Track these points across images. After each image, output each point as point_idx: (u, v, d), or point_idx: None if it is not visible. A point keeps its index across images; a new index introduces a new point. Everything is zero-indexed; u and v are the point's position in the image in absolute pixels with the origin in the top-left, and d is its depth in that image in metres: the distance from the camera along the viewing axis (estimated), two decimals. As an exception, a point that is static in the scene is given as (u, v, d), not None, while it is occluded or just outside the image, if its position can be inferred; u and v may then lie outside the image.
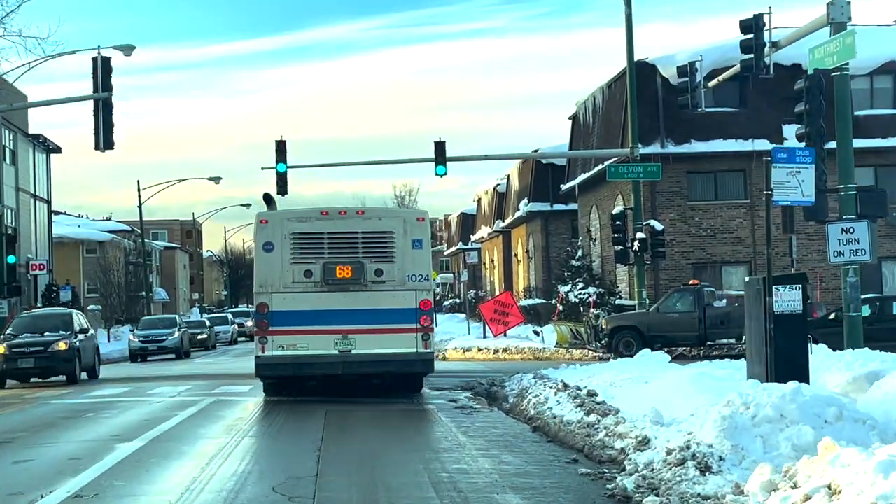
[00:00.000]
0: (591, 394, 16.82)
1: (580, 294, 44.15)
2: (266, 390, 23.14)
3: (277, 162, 43.36)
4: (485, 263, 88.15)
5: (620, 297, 44.09)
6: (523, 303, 61.74)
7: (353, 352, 21.40)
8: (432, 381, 27.43)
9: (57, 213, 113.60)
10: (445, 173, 41.70)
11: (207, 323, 67.00)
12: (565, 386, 17.95)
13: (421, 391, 23.61)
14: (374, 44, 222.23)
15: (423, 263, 22.02)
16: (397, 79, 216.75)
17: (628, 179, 40.30)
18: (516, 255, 72.22)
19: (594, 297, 43.32)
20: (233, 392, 25.55)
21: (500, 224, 77.75)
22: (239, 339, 74.00)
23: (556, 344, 39.31)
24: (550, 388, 18.67)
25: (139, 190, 75.46)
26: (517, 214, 67.10)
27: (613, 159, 43.34)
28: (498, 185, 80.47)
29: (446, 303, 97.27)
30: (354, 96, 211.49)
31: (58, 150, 77.29)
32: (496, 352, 41.07)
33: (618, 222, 40.01)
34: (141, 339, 52.34)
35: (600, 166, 46.43)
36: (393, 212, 33.09)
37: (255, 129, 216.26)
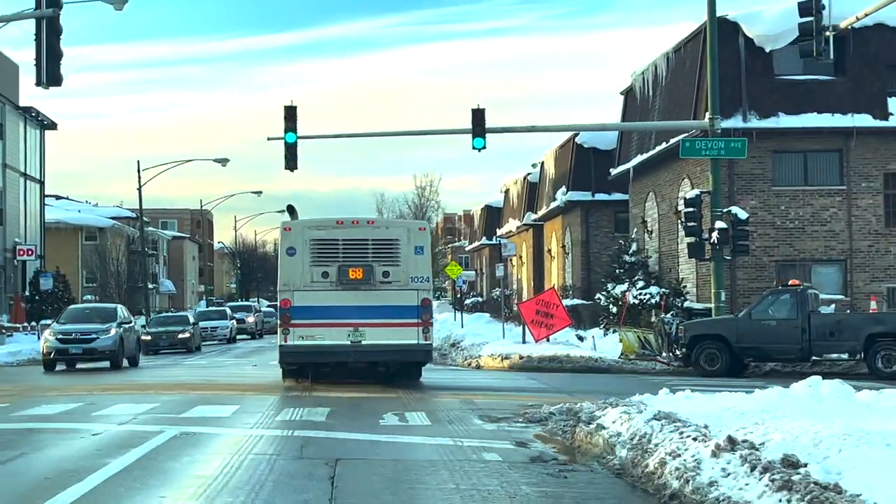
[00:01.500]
0: (793, 463, 9.72)
1: (640, 294, 36.93)
2: (285, 375, 26.06)
3: (286, 131, 36.70)
4: (511, 260, 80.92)
5: (687, 299, 36.92)
6: (564, 303, 54.67)
7: (363, 342, 24.11)
8: (479, 404, 20.80)
9: (59, 197, 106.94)
10: (484, 147, 34.79)
11: (190, 318, 56.07)
12: (731, 443, 10.76)
13: (420, 379, 26.42)
14: (394, 41, 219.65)
15: (424, 267, 24.90)
16: (418, 77, 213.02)
17: (706, 157, 33.17)
18: (549, 251, 65.02)
19: (660, 298, 36.09)
20: (209, 418, 18.41)
21: (532, 217, 70.57)
22: (239, 336, 66.67)
23: (621, 355, 32.02)
24: (695, 439, 11.51)
25: (139, 171, 68.48)
26: (552, 205, 59.93)
27: (681, 136, 36.33)
28: (529, 174, 73.30)
29: (468, 301, 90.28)
30: (374, 94, 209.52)
31: (52, 126, 70.36)
32: (541, 361, 33.94)
33: (691, 209, 32.86)
34: (60, 336, 35.61)
35: (663, 145, 39.29)
36: (398, 222, 33.94)
37: (274, 125, 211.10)
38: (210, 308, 78.00)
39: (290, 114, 36.81)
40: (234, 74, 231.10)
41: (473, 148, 34.80)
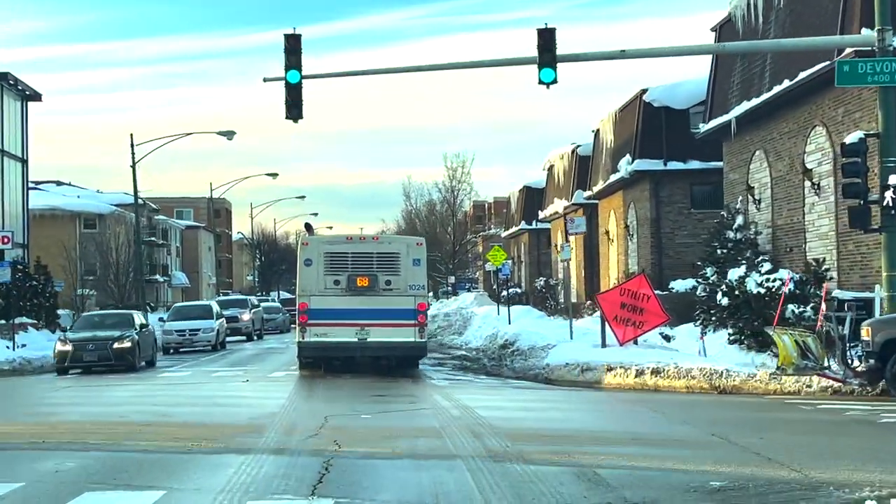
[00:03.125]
0: None
1: (766, 281, 27.01)
2: (302, 367, 29.93)
3: (288, 68, 27.38)
4: (556, 245, 71.14)
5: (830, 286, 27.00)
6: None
7: (369, 340, 27.90)
8: (609, 481, 10.78)
9: (60, 183, 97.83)
10: (554, 81, 25.35)
11: (135, 319, 37.30)
12: None
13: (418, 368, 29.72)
14: (418, 33, 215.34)
15: (420, 276, 28.76)
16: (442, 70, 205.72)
17: (873, 85, 23.35)
18: (607, 233, 55.14)
19: (794, 285, 26.11)
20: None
21: (583, 195, 60.71)
22: (231, 339, 51.45)
23: (779, 367, 21.92)
24: None
25: (132, 146, 58.87)
26: (612, 179, 50.08)
27: (818, 67, 26.58)
28: (578, 146, 63.42)
29: (505, 293, 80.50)
30: (399, 86, 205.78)
31: (36, 97, 60.86)
32: (640, 374, 24.19)
33: (852, 159, 23.08)
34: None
35: (783, 84, 29.44)
36: (399, 238, 37.53)
37: (305, 118, 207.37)
38: (191, 303, 59.79)
39: (293, 46, 27.55)
40: (256, 68, 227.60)
41: (541, 82, 25.19)
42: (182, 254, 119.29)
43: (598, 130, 56.27)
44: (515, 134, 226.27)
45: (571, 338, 33.27)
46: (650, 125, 46.63)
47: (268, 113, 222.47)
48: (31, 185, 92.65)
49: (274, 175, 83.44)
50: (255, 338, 56.46)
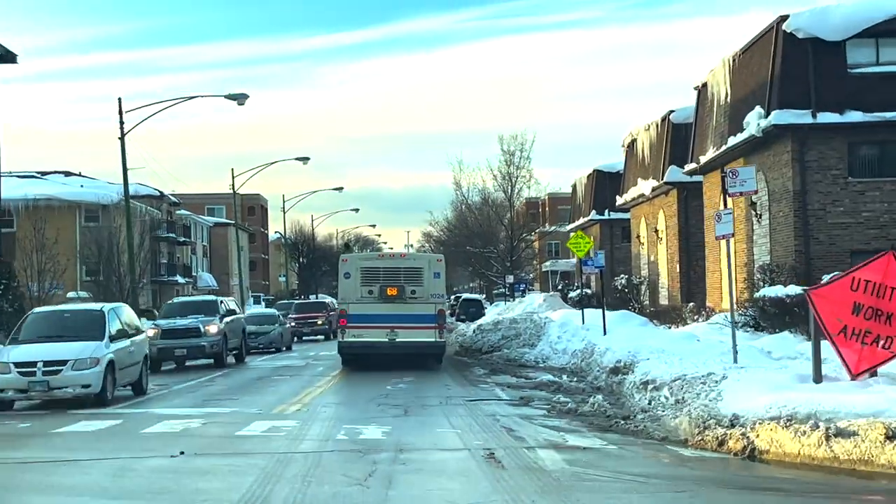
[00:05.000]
0: None
1: None
2: (343, 362, 32.96)
3: None
4: (639, 236, 58.48)
5: None
6: (767, 292, 32.60)
7: (397, 340, 31.64)
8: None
9: (68, 173, 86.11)
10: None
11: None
12: None
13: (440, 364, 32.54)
14: (468, 35, 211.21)
15: (440, 287, 32.70)
16: (492, 71, 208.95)
17: None
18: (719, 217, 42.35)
19: None
20: None
21: (679, 172, 48.16)
22: (193, 363, 36.74)
23: None
24: None
25: (120, 112, 46.69)
26: (732, 142, 37.47)
27: None
28: (671, 112, 50.77)
29: (572, 294, 68.11)
30: (448, 89, 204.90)
31: (9, 57, 49.05)
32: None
33: None
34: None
35: None
36: (422, 255, 43.87)
37: (349, 121, 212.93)
38: (56, 309, 28.60)
39: None
40: (306, 73, 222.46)
41: None
42: (210, 254, 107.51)
43: (703, 86, 43.56)
44: (564, 134, 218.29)
45: (736, 361, 20.74)
46: (792, 64, 34.05)
47: (319, 115, 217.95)
48: (36, 174, 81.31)
49: (305, 160, 71.36)
50: (234, 359, 38.02)
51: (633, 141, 57.54)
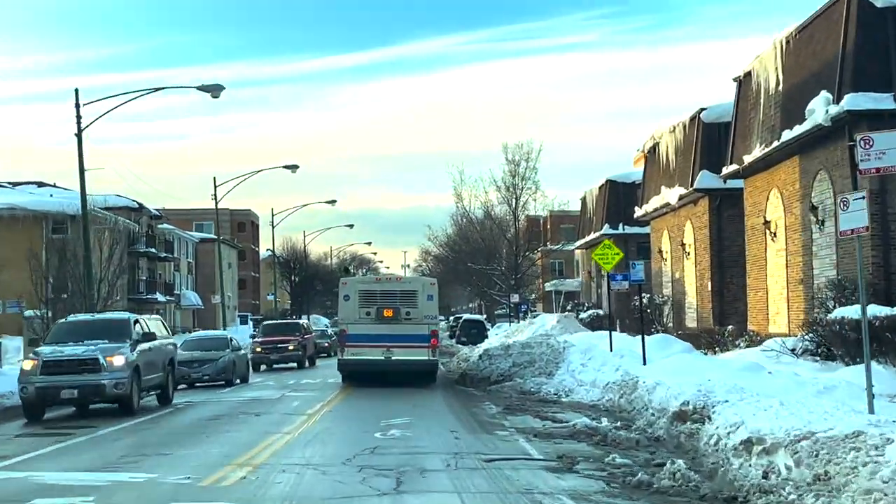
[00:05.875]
0: None
1: None
2: (343, 379, 33.88)
3: None
4: (661, 251, 52.29)
5: None
6: (845, 313, 26.60)
7: (393, 358, 32.71)
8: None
9: (41, 184, 79.87)
10: None
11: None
12: None
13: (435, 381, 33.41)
14: (465, 59, 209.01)
15: (433, 308, 33.76)
16: (490, 93, 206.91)
17: None
18: (766, 224, 36.19)
19: None
20: None
21: (712, 177, 42.18)
22: (97, 407, 26.26)
23: None
24: None
25: (77, 107, 40.53)
26: (787, 136, 31.46)
27: None
28: (703, 110, 44.68)
29: (582, 315, 61.96)
30: (445, 111, 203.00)
31: None
32: None
33: None
34: None
35: None
36: (417, 279, 41.32)
37: (348, 143, 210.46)
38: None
39: None
40: (309, 94, 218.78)
41: None
42: (196, 271, 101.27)
43: (746, 76, 37.50)
44: (562, 156, 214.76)
45: (872, 410, 14.58)
46: (869, 38, 28.05)
47: (320, 136, 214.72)
48: (6, 185, 75.10)
49: (293, 168, 65.21)
50: (164, 401, 28.64)
51: (656, 145, 51.42)
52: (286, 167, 65.62)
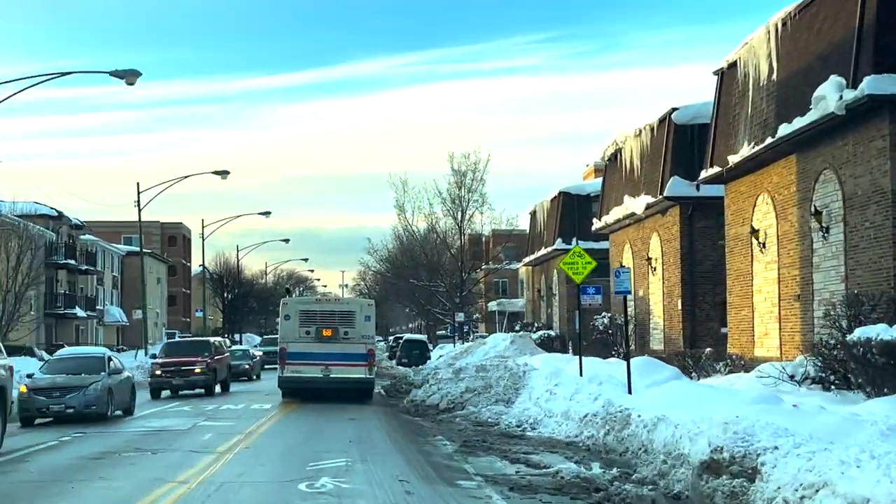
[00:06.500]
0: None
1: None
2: (283, 394, 34.55)
3: None
4: (622, 264, 47.68)
5: None
6: (869, 333, 22.17)
7: (331, 375, 33.46)
8: None
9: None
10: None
11: None
12: None
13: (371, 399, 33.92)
14: (406, 80, 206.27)
15: (370, 329, 34.54)
16: (432, 115, 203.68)
17: None
18: (755, 232, 31.71)
19: None
20: None
21: (684, 183, 38.03)
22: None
23: None
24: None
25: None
26: (784, 131, 27.15)
27: None
28: (674, 110, 40.37)
29: (534, 335, 57.42)
30: (390, 132, 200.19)
31: None
32: None
33: None
34: None
35: None
36: (355, 300, 47.32)
37: (286, 162, 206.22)
38: None
39: None
40: (245, 113, 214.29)
41: None
42: (122, 285, 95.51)
43: (731, 66, 33.16)
44: (502, 180, 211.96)
45: None
46: (892, 11, 23.76)
47: (257, 155, 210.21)
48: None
49: (224, 174, 60.14)
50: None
51: (618, 152, 47.03)
52: (216, 173, 60.80)
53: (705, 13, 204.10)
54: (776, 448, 12.59)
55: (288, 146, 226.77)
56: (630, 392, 22.34)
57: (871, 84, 23.20)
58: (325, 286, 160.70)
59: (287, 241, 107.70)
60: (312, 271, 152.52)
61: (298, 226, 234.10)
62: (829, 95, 24.69)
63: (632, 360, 25.24)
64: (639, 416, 18.47)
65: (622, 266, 28.84)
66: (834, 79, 24.82)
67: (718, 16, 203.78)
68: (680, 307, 40.00)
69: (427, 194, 74.17)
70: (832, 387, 23.73)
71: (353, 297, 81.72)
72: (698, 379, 29.80)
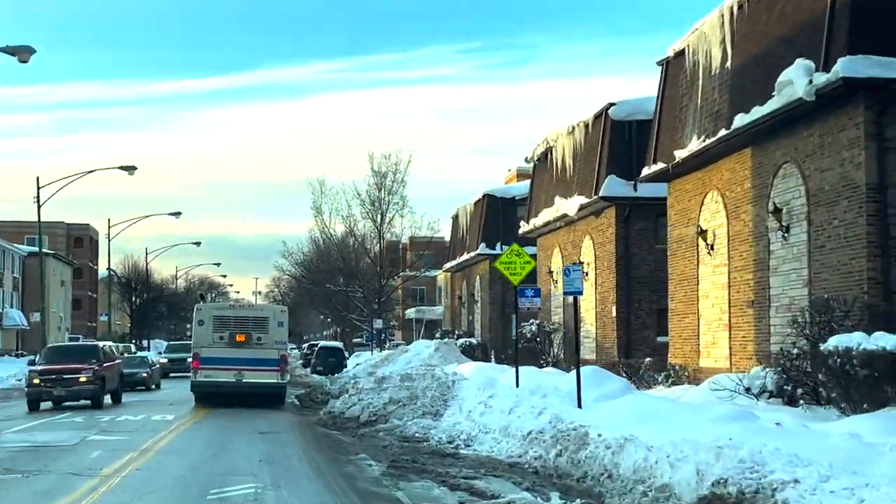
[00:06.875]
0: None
1: None
2: (196, 399, 34.24)
3: None
4: (551, 271, 45.25)
5: None
6: (847, 342, 19.80)
7: (244, 380, 33.37)
8: None
9: None
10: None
11: None
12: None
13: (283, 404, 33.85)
14: (327, 87, 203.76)
15: (283, 335, 34.52)
16: (351, 122, 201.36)
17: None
18: (702, 234, 29.26)
19: None
20: None
21: (622, 183, 35.77)
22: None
23: None
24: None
25: None
26: (745, 120, 24.84)
27: None
28: (611, 105, 37.96)
29: (457, 343, 54.79)
30: (309, 139, 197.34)
31: None
32: None
33: None
34: None
35: None
36: (268, 306, 45.11)
37: (203, 167, 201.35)
38: None
39: None
40: (162, 117, 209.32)
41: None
42: (23, 288, 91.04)
43: (678, 55, 30.81)
44: (419, 188, 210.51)
45: None
46: None
47: (174, 159, 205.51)
48: None
49: (131, 169, 56.65)
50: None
51: (549, 151, 44.53)
52: (123, 168, 57.33)
53: (620, 28, 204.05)
54: (797, 482, 10.02)
55: (204, 151, 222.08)
56: (580, 406, 19.71)
57: (846, 66, 20.87)
58: (238, 292, 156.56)
59: (198, 244, 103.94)
60: (225, 276, 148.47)
61: (212, 231, 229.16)
62: (797, 80, 22.32)
63: (580, 371, 22.59)
64: (599, 435, 15.82)
65: (575, 263, 26.31)
66: (801, 62, 22.48)
67: (633, 31, 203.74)
68: (614, 314, 37.60)
69: (346, 196, 70.90)
70: (800, 401, 21.35)
71: (267, 304, 78.98)
72: (637, 391, 27.34)
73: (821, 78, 21.51)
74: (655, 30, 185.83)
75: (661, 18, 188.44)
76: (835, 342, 19.30)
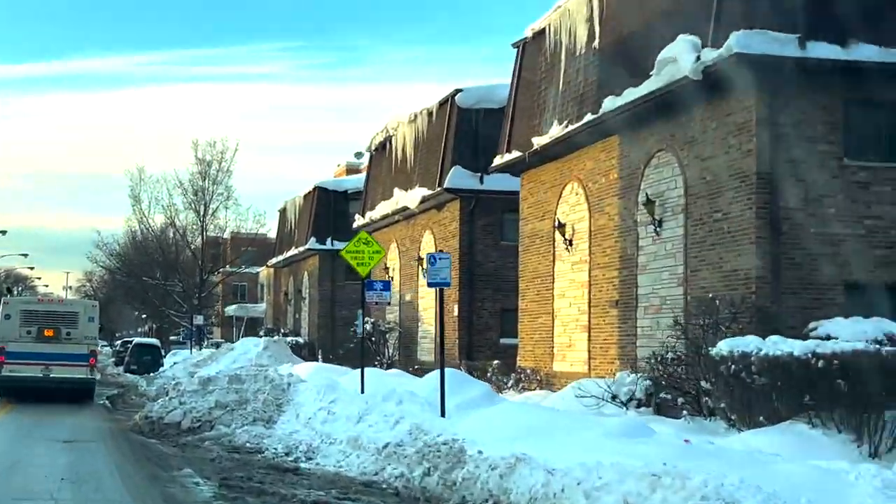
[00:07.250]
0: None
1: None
2: (2, 394, 32.52)
3: None
4: (387, 267, 42.49)
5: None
6: (745, 346, 17.58)
7: (51, 375, 32.37)
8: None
9: None
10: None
11: None
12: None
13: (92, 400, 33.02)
14: (146, 79, 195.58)
15: (93, 330, 33.79)
16: (172, 117, 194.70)
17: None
18: (560, 227, 26.93)
19: None
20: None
21: (467, 174, 33.50)
22: None
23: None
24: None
25: None
26: (615, 103, 22.74)
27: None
28: (458, 91, 35.48)
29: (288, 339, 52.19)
30: (122, 133, 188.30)
31: None
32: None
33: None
34: None
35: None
36: (79, 301, 45.92)
37: (8, 157, 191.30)
38: None
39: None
40: None
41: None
42: None
43: (536, 35, 28.53)
44: (244, 185, 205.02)
45: None
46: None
47: None
48: None
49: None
50: None
51: (388, 139, 41.83)
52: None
53: (445, 33, 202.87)
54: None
55: (12, 141, 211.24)
56: (444, 415, 17.06)
57: (741, 41, 18.81)
58: (48, 286, 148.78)
59: (4, 232, 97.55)
60: (33, 268, 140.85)
61: (20, 224, 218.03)
62: (682, 58, 20.19)
63: (435, 374, 20.00)
64: (479, 452, 13.17)
65: (440, 251, 23.76)
66: (686, 38, 20.39)
67: (460, 37, 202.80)
68: (456, 313, 35.15)
69: (167, 185, 66.70)
70: (683, 412, 19.15)
71: (77, 299, 75.67)
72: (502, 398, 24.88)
73: (711, 54, 19.41)
74: (483, 37, 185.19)
75: (488, 26, 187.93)
76: (728, 346, 17.13)
